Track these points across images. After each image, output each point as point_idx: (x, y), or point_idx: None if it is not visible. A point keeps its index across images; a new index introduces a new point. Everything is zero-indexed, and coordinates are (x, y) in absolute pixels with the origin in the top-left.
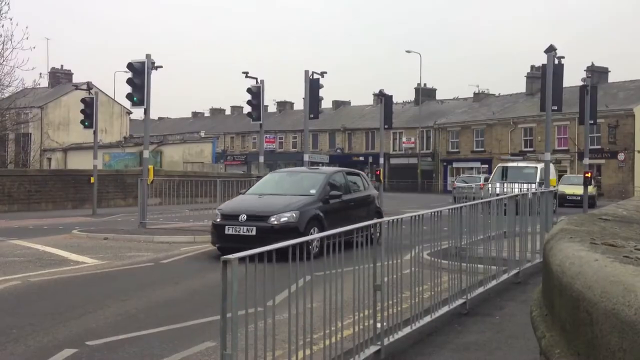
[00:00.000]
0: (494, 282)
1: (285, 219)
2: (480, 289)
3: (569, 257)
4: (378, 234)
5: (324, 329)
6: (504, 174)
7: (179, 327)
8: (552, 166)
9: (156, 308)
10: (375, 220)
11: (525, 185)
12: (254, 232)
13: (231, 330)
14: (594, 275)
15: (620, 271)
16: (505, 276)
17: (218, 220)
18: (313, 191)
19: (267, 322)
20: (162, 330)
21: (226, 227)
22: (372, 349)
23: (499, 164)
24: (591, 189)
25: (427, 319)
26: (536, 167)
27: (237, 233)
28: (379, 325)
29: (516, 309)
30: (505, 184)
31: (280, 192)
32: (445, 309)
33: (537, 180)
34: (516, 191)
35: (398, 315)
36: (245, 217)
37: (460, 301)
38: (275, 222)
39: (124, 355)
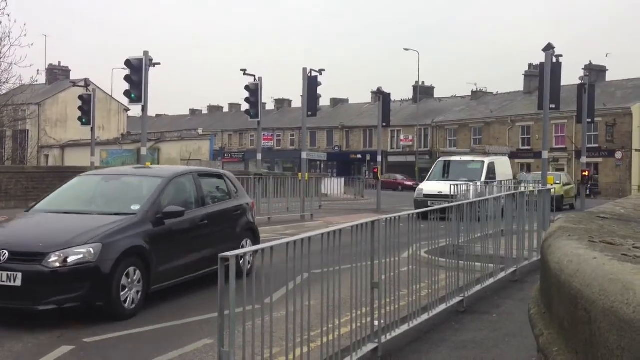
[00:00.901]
0: (491, 280)
1: (78, 257)
2: (478, 287)
3: (568, 255)
4: (249, 265)
5: (321, 327)
6: (446, 169)
7: (177, 324)
8: (506, 160)
9: (153, 305)
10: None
11: (468, 183)
12: (18, 282)
13: (229, 327)
14: (593, 273)
15: (619, 269)
16: (502, 274)
17: None
18: (136, 207)
19: (265, 319)
20: (160, 327)
21: None
22: (370, 346)
23: (440, 158)
24: (559, 188)
25: (425, 316)
26: (483, 162)
27: None
28: (376, 322)
29: (513, 307)
30: (444, 182)
31: (84, 209)
32: (442, 306)
33: (483, 177)
34: (447, 190)
35: (395, 313)
36: (7, 254)
37: (457, 299)
38: (58, 264)
39: (121, 352)
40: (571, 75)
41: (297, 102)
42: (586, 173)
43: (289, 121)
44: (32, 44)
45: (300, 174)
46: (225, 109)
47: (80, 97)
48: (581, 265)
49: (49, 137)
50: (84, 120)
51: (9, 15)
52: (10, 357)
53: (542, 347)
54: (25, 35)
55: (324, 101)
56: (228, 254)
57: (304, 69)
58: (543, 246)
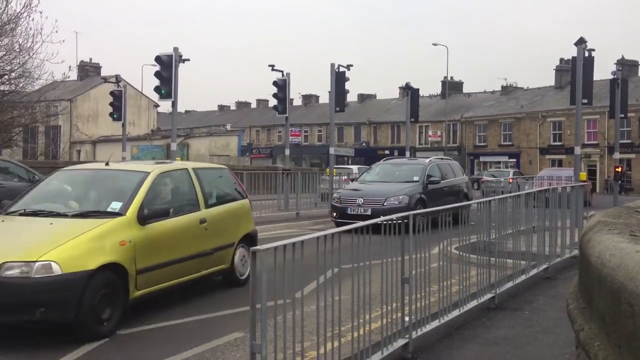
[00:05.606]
0: (523, 277)
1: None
2: (509, 284)
3: (609, 249)
4: None
5: (352, 321)
6: None
7: (207, 318)
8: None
9: (184, 298)
10: None
11: None
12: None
13: (260, 320)
14: (637, 267)
15: None
16: (534, 271)
17: None
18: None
19: (296, 313)
20: (191, 321)
21: None
22: (400, 342)
23: None
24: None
25: (456, 312)
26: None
27: None
28: (407, 318)
29: (546, 304)
30: None
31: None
32: (473, 303)
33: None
34: None
35: (426, 309)
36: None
37: (488, 295)
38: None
39: (153, 343)
40: (603, 70)
41: (324, 98)
42: (619, 169)
43: (316, 117)
44: (63, 41)
45: (328, 169)
46: (253, 105)
47: (112, 93)
48: (624, 258)
49: (81, 132)
50: (115, 116)
51: (41, 13)
52: (46, 348)
53: (582, 342)
54: (56, 31)
55: (352, 97)
56: (259, 247)
57: (332, 65)
58: (582, 240)
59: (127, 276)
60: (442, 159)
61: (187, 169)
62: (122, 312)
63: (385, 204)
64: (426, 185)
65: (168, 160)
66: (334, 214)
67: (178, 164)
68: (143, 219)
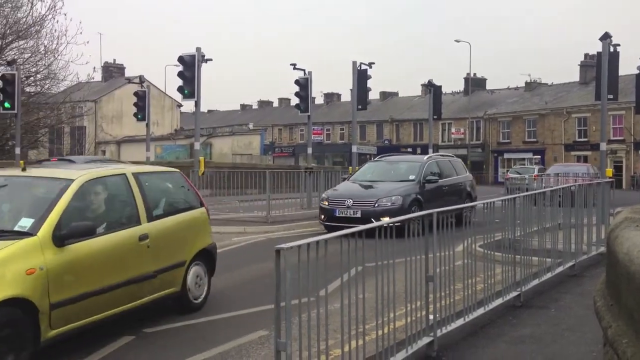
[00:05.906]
0: (549, 275)
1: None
2: (535, 282)
3: (637, 246)
4: None
5: (376, 320)
6: None
7: (232, 316)
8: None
9: (209, 297)
10: None
11: None
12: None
13: (285, 319)
14: None
15: None
16: (560, 268)
17: None
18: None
19: (320, 311)
20: (216, 319)
21: None
22: (425, 340)
23: None
24: None
25: (481, 311)
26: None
27: None
28: (431, 316)
29: (572, 302)
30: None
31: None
32: (498, 301)
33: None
34: None
35: (451, 307)
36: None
37: (514, 293)
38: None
39: (178, 341)
40: (629, 65)
41: (346, 96)
42: None
43: (338, 115)
44: (87, 42)
45: (350, 167)
46: (275, 104)
47: (136, 94)
48: None
49: (106, 133)
50: (139, 116)
51: (65, 15)
52: (73, 347)
53: (610, 339)
54: (81, 33)
55: (374, 94)
56: (283, 245)
57: (354, 63)
58: (609, 237)
59: (37, 313)
60: (443, 155)
61: (124, 174)
62: (31, 356)
63: (377, 205)
64: (423, 185)
65: (108, 163)
66: (322, 217)
67: (114, 168)
68: (60, 239)
